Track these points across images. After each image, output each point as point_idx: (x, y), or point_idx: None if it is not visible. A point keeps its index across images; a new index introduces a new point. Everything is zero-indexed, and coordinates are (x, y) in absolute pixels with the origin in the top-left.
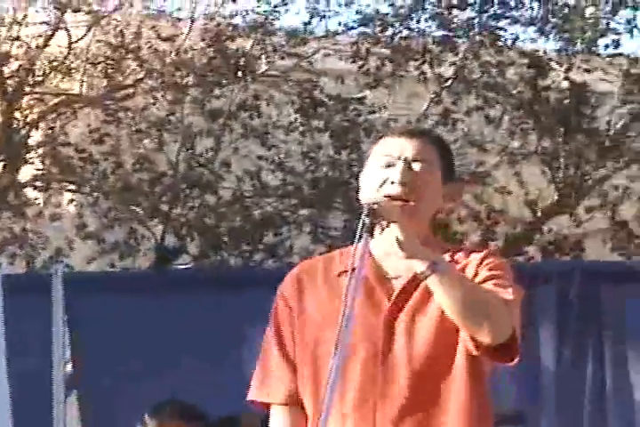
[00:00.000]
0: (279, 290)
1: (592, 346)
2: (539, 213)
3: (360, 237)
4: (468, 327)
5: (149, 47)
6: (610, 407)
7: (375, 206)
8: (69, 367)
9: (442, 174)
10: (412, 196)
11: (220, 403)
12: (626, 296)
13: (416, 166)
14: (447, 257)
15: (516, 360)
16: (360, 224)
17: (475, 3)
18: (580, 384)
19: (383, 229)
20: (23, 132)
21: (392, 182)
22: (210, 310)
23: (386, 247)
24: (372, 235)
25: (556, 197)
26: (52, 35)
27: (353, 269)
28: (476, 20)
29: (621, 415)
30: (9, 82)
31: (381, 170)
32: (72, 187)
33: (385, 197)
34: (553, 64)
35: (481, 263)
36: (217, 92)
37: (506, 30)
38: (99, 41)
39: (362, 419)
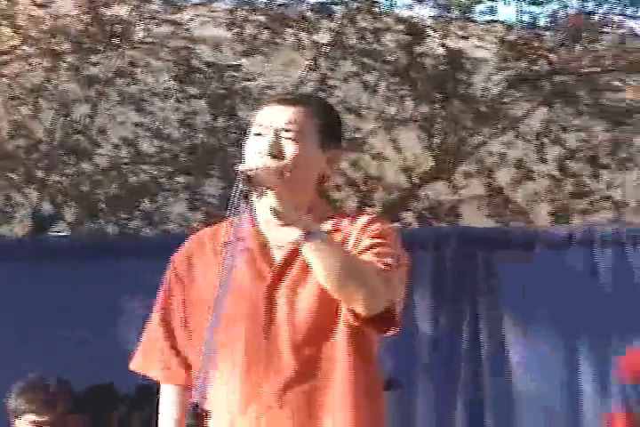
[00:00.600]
0: (170, 261)
1: (468, 311)
2: (415, 180)
3: (234, 205)
4: (343, 298)
5: (25, 13)
6: (485, 372)
7: (249, 173)
8: None
9: (320, 139)
10: (283, 166)
11: (96, 373)
12: (500, 262)
13: (286, 135)
14: (331, 224)
15: (393, 331)
16: (234, 192)
17: None
18: (457, 349)
19: (260, 197)
20: None
21: (261, 153)
22: (86, 279)
23: (267, 216)
24: (247, 203)
25: (432, 164)
26: None
27: (235, 240)
28: None
29: (496, 379)
30: None
31: (255, 139)
32: None
33: (257, 167)
34: (429, 31)
35: (364, 230)
36: (93, 59)
37: None
38: None
39: (248, 391)
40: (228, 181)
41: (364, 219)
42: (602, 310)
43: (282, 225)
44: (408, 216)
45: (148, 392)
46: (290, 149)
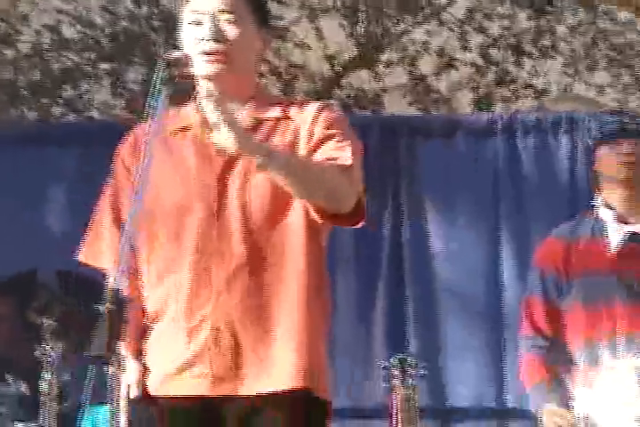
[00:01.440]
0: (116, 152)
1: (390, 200)
2: (338, 68)
3: (157, 90)
4: (314, 204)
5: None
6: (407, 261)
7: (174, 58)
8: None
9: (256, 20)
10: (228, 50)
11: (19, 260)
12: (422, 149)
13: (225, 18)
14: (279, 111)
15: (361, 223)
16: (155, 77)
17: None
18: (378, 239)
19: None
20: None
21: (202, 40)
22: (8, 166)
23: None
24: (172, 90)
25: (355, 52)
26: None
27: (182, 129)
28: None
29: (417, 269)
30: None
31: (191, 27)
32: None
33: (200, 54)
34: None
35: (316, 120)
36: None
37: None
38: None
39: (198, 278)
40: (151, 68)
41: (313, 107)
42: (523, 197)
43: (238, 153)
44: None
45: (69, 278)
46: (231, 31)
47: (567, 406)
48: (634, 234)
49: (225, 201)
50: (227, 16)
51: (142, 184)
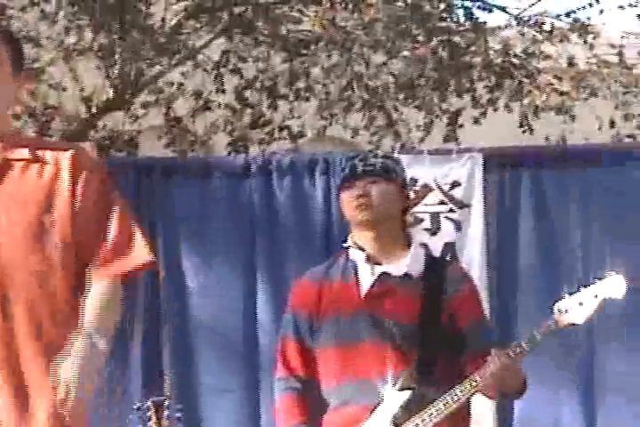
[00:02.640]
0: None
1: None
2: (94, 110)
3: None
4: None
5: None
6: (163, 294)
7: None
8: None
9: (12, 64)
10: None
11: None
12: (178, 191)
13: None
14: (30, 153)
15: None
16: None
17: None
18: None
19: None
20: None
21: None
22: None
23: None
24: None
25: (111, 94)
26: None
27: None
28: None
29: (173, 302)
30: None
31: None
32: None
33: None
34: None
35: (76, 169)
36: None
37: None
38: None
39: None
40: None
41: (67, 152)
42: (279, 237)
43: None
44: (87, 146)
45: None
46: None
47: None
48: (385, 274)
49: None
50: None
51: None
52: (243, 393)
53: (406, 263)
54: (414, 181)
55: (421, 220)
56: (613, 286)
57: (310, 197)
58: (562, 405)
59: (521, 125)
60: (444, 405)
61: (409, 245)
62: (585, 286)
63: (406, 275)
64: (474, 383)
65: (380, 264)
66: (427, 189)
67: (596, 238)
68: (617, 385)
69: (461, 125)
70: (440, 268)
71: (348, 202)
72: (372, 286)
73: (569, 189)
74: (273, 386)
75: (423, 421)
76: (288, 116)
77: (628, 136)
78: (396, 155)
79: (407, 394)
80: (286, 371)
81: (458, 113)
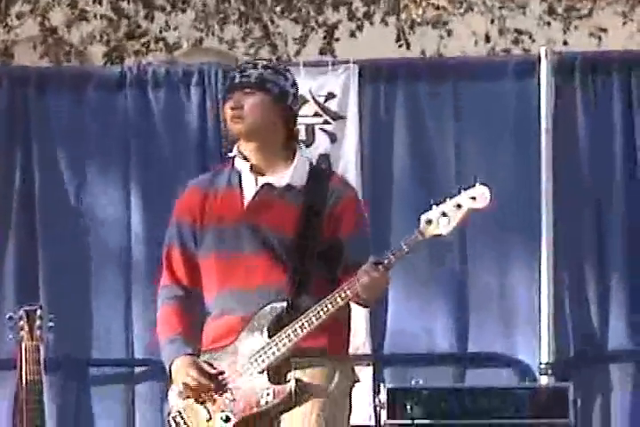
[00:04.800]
0: None
1: (20, 150)
2: None
3: None
4: None
5: None
6: (38, 208)
7: None
8: None
9: None
10: None
11: None
12: (53, 101)
13: None
14: None
15: None
16: None
17: None
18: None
19: None
20: None
21: None
22: None
23: None
24: None
25: None
26: None
27: None
28: None
29: (50, 216)
30: None
31: None
32: None
33: None
34: None
35: None
36: None
37: None
38: None
39: None
40: None
41: None
42: (153, 148)
43: None
44: None
45: None
46: None
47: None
48: (267, 185)
49: None
50: None
51: None
52: (117, 302)
53: (289, 174)
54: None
55: None
56: (477, 197)
57: (185, 108)
58: (434, 316)
59: (398, 40)
60: (315, 316)
61: (295, 157)
62: (450, 198)
63: (289, 186)
64: (343, 295)
65: (263, 175)
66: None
67: (469, 150)
68: (488, 296)
69: (337, 39)
70: (322, 179)
71: (226, 114)
72: (255, 197)
73: (443, 102)
74: (145, 296)
75: (294, 331)
76: (164, 28)
77: (504, 50)
78: None
79: (282, 305)
80: (171, 279)
81: (334, 26)
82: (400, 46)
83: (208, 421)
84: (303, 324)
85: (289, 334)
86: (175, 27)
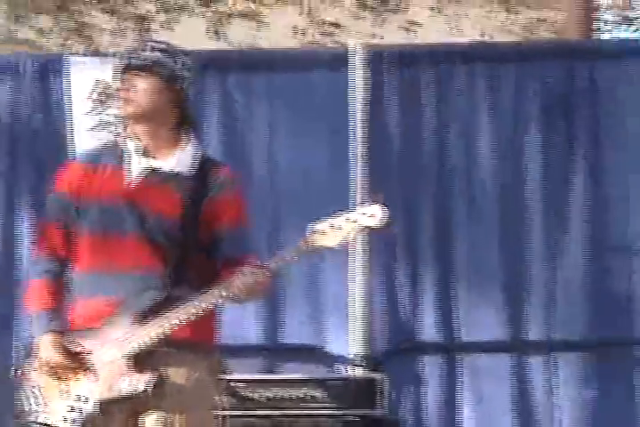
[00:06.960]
0: None
1: None
2: None
3: None
4: None
5: None
6: None
7: None
8: None
9: None
10: None
11: None
12: None
13: None
14: None
15: None
16: None
17: None
18: None
19: None
20: None
21: None
22: None
23: None
24: None
25: None
26: None
27: None
28: None
29: None
30: None
31: None
32: None
33: None
34: None
35: None
36: None
37: None
38: None
39: None
40: None
41: None
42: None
43: None
44: None
45: None
46: None
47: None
48: (153, 168)
49: None
50: None
51: None
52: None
53: (175, 159)
54: (101, 83)
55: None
56: (370, 214)
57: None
58: (243, 308)
59: (215, 32)
60: (185, 310)
61: (184, 142)
62: (341, 211)
63: (175, 171)
64: (216, 293)
65: (152, 158)
66: None
67: (283, 141)
68: (299, 287)
69: (148, 29)
70: (210, 169)
71: (118, 96)
72: (139, 179)
73: (254, 93)
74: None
75: (162, 323)
76: None
77: (315, 43)
78: (82, 58)
79: (157, 292)
80: (45, 251)
81: (145, 17)
82: (213, 38)
83: (65, 399)
84: (175, 316)
85: (159, 324)
86: None
